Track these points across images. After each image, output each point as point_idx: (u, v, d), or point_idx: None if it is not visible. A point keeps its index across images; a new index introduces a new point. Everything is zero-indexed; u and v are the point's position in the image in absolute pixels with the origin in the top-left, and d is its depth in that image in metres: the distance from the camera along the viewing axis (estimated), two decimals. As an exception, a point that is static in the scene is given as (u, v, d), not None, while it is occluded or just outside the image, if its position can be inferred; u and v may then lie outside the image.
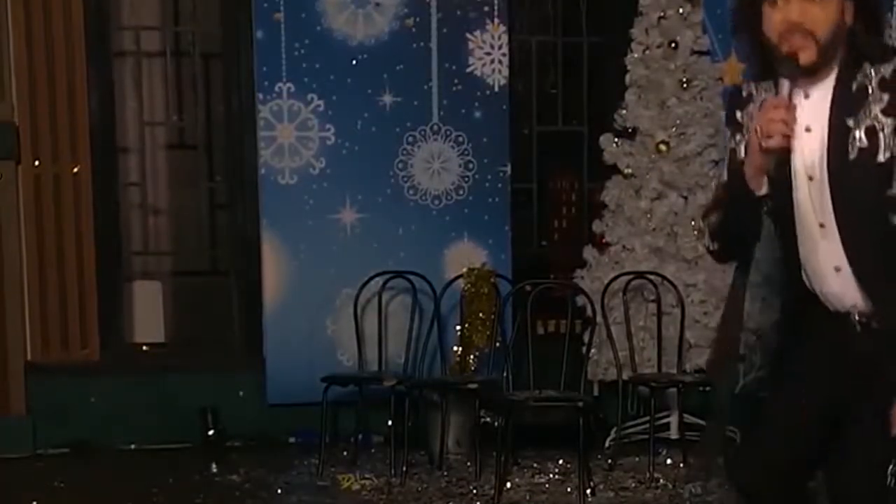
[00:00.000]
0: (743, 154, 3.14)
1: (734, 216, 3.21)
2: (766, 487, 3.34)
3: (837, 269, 3.11)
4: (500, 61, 6.97)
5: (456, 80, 6.94)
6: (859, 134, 3.01)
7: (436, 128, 6.94)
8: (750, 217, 3.16)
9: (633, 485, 5.98)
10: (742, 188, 3.12)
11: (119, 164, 7.14)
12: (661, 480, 5.99)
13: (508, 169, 7.03)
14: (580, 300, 6.50)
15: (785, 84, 3.05)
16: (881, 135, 3.00)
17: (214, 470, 6.33)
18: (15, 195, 6.64)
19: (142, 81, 7.40)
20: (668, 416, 6.72)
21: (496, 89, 6.98)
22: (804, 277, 3.18)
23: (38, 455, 6.66)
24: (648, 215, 6.70)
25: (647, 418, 6.33)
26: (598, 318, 6.49)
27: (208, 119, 7.36)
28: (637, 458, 6.35)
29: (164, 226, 7.67)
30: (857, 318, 3.13)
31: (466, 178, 6.98)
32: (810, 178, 3.08)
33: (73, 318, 6.78)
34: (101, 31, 6.92)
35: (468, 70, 6.95)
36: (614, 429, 6.51)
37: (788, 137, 3.01)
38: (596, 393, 6.75)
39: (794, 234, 3.13)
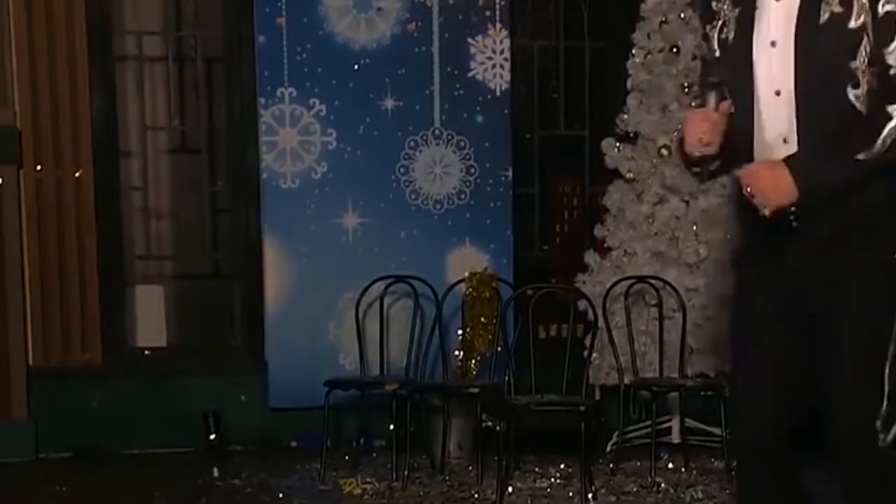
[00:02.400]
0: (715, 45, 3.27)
1: (728, 165, 3.30)
2: (756, 447, 3.36)
3: (785, 141, 3.16)
4: (501, 66, 6.98)
5: (457, 85, 6.94)
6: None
7: (437, 132, 6.95)
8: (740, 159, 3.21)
9: (635, 489, 5.98)
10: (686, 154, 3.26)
11: (121, 169, 7.14)
12: (663, 485, 5.99)
13: (510, 173, 7.04)
14: (582, 304, 6.51)
15: None
16: (856, 2, 3.05)
17: (216, 474, 6.32)
18: (17, 199, 6.64)
19: (144, 86, 7.40)
20: (669, 420, 6.73)
21: (498, 94, 6.99)
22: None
23: (40, 459, 6.66)
24: (650, 219, 6.71)
25: (649, 422, 6.34)
26: (600, 323, 6.49)
27: (210, 123, 7.37)
28: (638, 463, 6.36)
29: (166, 230, 7.67)
30: (791, 213, 3.14)
31: (468, 183, 6.99)
32: (773, 44, 3.15)
33: (74, 322, 6.78)
34: (103, 35, 6.93)
35: (470, 74, 6.96)
36: (616, 433, 6.51)
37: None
38: (597, 397, 6.75)
39: (749, 106, 3.19)
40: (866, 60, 3.08)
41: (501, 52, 6.98)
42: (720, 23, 3.28)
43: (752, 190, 3.10)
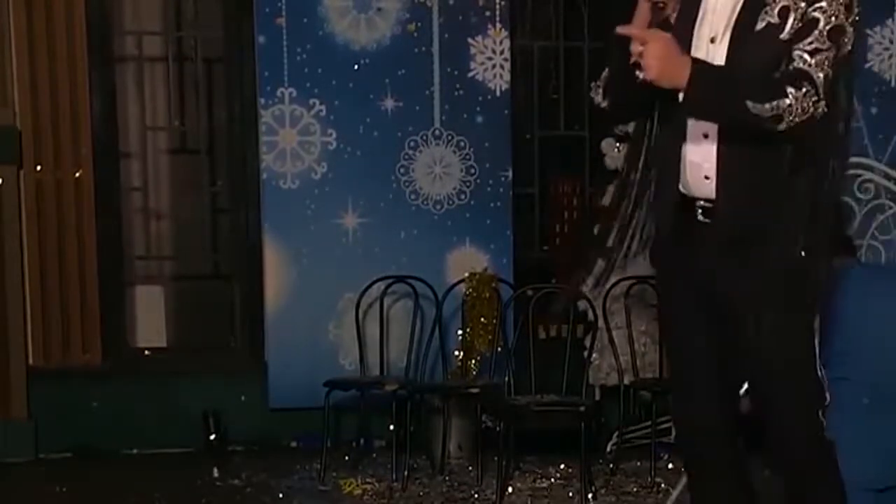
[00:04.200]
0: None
1: (620, 69, 3.39)
2: (698, 434, 3.49)
3: (706, 136, 3.28)
4: (501, 66, 6.98)
5: (457, 85, 6.94)
6: (774, 10, 3.17)
7: (437, 133, 6.95)
8: (632, 71, 3.27)
9: (635, 489, 5.99)
10: (625, 41, 3.27)
11: (121, 169, 7.13)
12: (663, 485, 5.99)
13: (510, 174, 7.03)
14: (582, 305, 6.51)
15: None
16: (792, 15, 3.16)
17: (216, 474, 6.33)
18: (17, 200, 6.64)
19: (144, 86, 7.39)
20: (669, 420, 6.72)
21: (498, 94, 6.98)
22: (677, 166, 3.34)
23: (40, 459, 6.66)
24: (650, 220, 6.70)
25: (649, 423, 6.34)
26: (600, 323, 6.50)
27: (210, 124, 7.37)
28: (638, 463, 6.36)
29: (166, 230, 7.67)
30: (701, 207, 3.30)
31: (468, 183, 6.98)
32: (712, 41, 3.28)
33: (74, 322, 6.78)
34: (103, 35, 6.92)
35: (470, 75, 6.95)
36: (616, 433, 6.51)
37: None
38: (597, 397, 6.75)
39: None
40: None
41: (501, 52, 6.98)
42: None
43: (646, 51, 3.10)
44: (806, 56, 3.11)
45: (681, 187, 3.36)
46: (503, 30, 6.97)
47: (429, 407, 6.53)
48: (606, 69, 3.52)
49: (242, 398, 6.97)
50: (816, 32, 3.12)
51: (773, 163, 3.22)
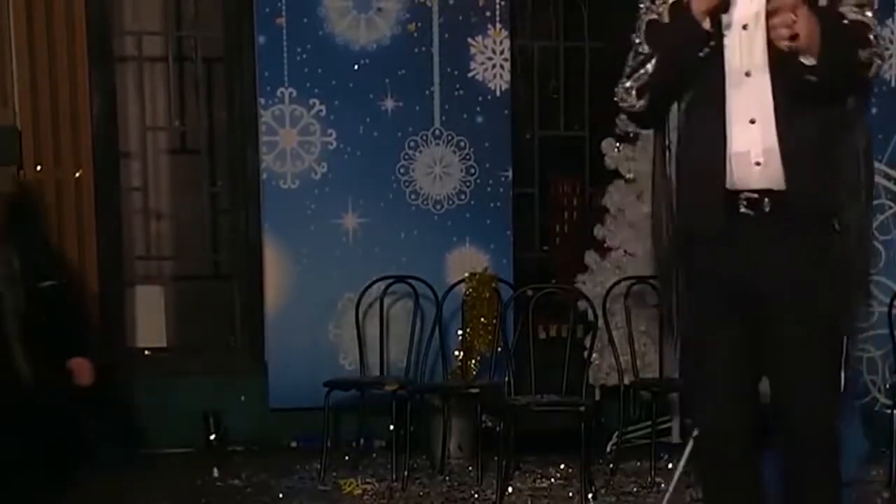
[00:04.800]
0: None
1: (674, 58, 3.34)
2: (721, 427, 3.47)
3: (752, 122, 3.26)
4: (501, 66, 6.98)
5: (457, 85, 6.94)
6: None
7: (437, 133, 6.95)
8: (690, 56, 3.28)
9: (635, 489, 5.99)
10: (689, 24, 3.25)
11: (121, 169, 7.15)
12: (663, 485, 5.97)
13: (510, 174, 7.03)
14: (582, 305, 6.51)
15: None
16: None
17: (216, 474, 6.33)
18: (17, 200, 6.65)
19: (144, 86, 7.39)
20: (669, 420, 6.73)
21: (498, 94, 6.98)
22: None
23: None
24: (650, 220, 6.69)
25: (649, 423, 6.34)
26: (600, 323, 6.50)
27: (210, 124, 7.36)
28: (638, 463, 6.36)
29: (167, 230, 7.66)
30: (746, 199, 3.28)
31: (468, 183, 6.98)
32: (744, 27, 3.26)
33: (74, 322, 6.78)
34: (104, 35, 6.93)
35: (470, 75, 6.95)
36: (616, 433, 6.51)
37: None
38: (597, 397, 6.75)
39: (720, 89, 3.27)
40: None
41: (501, 52, 6.98)
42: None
43: (800, 21, 3.11)
44: (856, 9, 3.21)
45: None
46: (503, 30, 6.97)
47: (429, 407, 6.53)
48: (649, 65, 3.39)
49: (242, 398, 6.97)
50: None
51: (829, 141, 3.27)
